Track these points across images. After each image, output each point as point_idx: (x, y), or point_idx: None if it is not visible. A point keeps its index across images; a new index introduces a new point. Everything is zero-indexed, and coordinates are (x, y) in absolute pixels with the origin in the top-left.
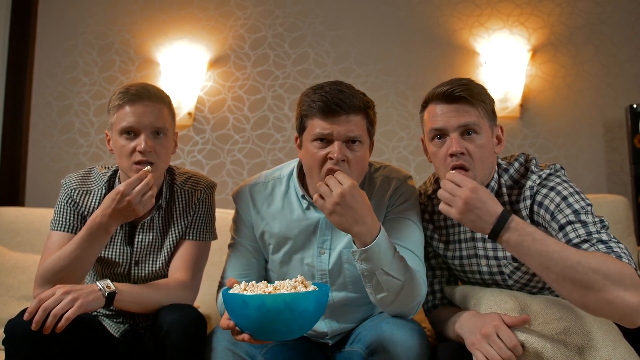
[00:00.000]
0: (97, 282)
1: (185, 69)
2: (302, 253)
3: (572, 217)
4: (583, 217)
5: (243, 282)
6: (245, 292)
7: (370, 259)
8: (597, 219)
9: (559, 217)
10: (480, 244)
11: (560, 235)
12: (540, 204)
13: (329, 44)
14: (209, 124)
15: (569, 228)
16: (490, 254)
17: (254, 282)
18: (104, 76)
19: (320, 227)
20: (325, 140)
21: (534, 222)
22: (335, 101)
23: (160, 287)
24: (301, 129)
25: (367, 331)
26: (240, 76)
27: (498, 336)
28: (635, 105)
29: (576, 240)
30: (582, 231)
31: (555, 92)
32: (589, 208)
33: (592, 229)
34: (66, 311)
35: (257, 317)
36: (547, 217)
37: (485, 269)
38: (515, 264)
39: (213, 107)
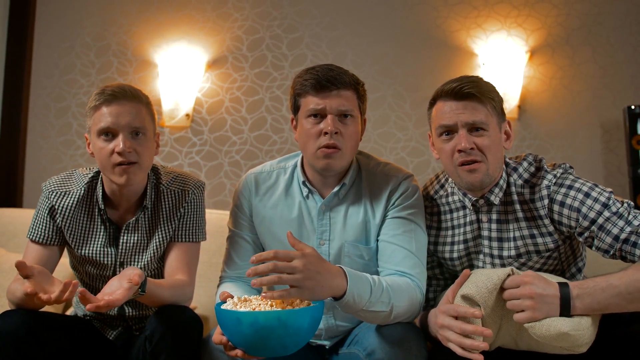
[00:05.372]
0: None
1: (183, 70)
2: None
3: (606, 212)
4: (613, 208)
5: (236, 297)
6: (237, 308)
7: (347, 307)
8: (624, 204)
9: (590, 213)
10: (486, 242)
11: (602, 233)
12: (562, 204)
13: (326, 46)
14: (207, 126)
15: (607, 224)
16: (495, 252)
17: (247, 296)
18: (101, 78)
19: (319, 215)
20: (319, 115)
21: (553, 222)
22: (326, 77)
23: (169, 285)
24: (295, 108)
25: (365, 332)
26: (238, 77)
27: (449, 315)
28: (632, 107)
29: (623, 236)
30: (621, 223)
31: (552, 94)
32: (612, 195)
33: (630, 217)
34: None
35: (251, 334)
36: (574, 215)
37: (489, 267)
38: (521, 260)
39: (211, 108)
